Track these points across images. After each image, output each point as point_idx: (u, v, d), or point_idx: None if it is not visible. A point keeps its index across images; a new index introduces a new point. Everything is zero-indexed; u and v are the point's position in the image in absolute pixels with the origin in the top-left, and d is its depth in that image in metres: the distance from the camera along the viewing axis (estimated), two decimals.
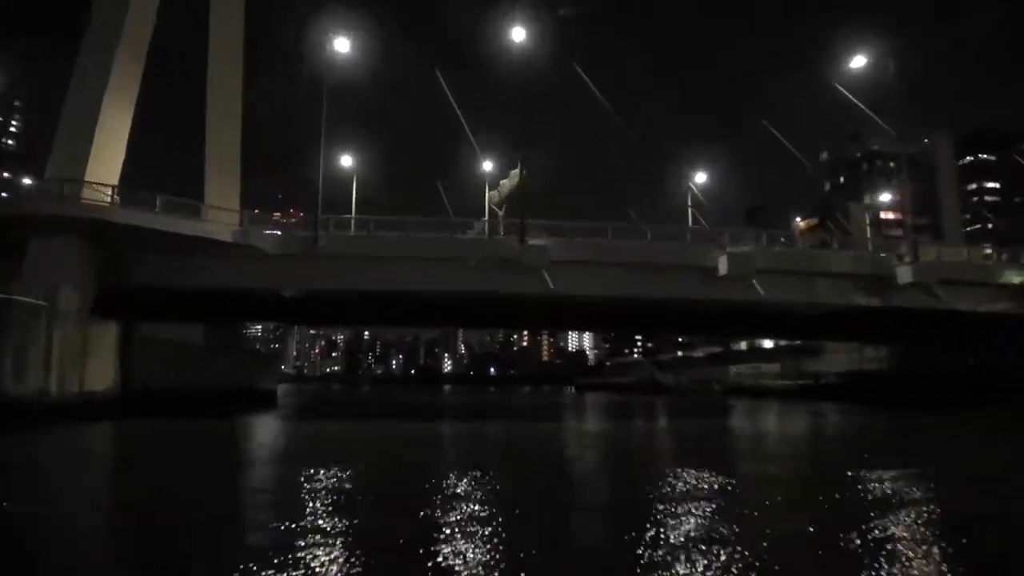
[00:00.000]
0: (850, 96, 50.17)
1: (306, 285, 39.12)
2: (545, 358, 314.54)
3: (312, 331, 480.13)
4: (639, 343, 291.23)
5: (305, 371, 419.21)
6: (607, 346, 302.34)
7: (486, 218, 45.29)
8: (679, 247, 41.38)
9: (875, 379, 69.66)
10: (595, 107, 52.04)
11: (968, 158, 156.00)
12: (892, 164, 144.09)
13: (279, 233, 39.66)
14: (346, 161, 51.33)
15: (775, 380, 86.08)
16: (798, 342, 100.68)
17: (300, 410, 54.73)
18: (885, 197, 75.44)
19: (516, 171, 44.71)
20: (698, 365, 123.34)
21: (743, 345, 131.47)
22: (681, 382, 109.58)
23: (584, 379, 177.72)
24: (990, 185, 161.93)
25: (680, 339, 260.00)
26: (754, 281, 39.87)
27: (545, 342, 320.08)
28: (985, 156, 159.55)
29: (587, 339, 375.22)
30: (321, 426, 38.98)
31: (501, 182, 45.84)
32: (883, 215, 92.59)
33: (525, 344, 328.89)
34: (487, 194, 45.21)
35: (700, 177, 52.50)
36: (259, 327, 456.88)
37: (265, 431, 34.50)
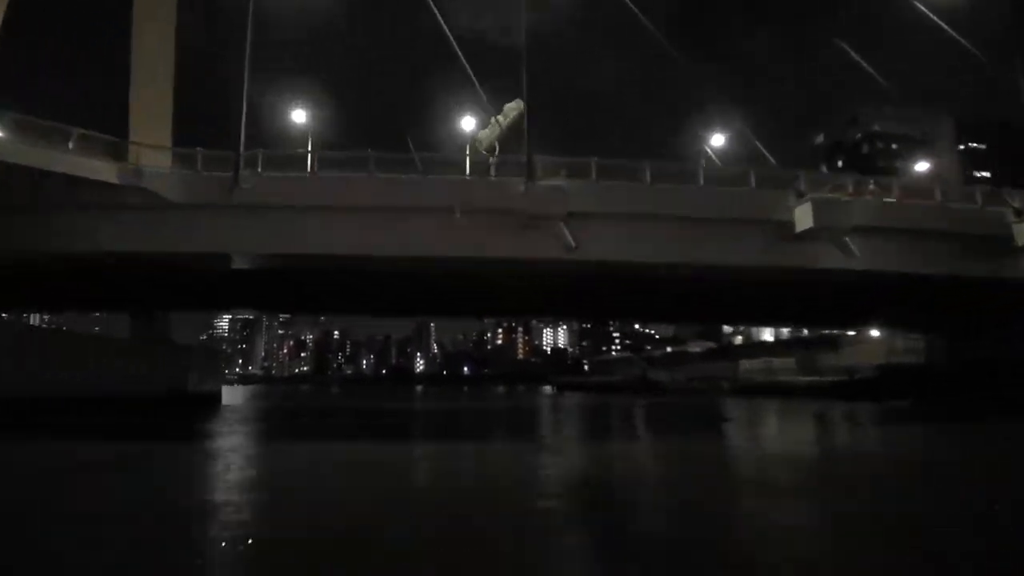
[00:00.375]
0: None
1: (223, 248, 27.25)
2: (520, 356, 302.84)
3: (280, 331, 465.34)
4: (617, 340, 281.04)
5: (273, 372, 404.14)
6: (585, 343, 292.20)
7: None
8: (744, 194, 29.85)
9: (918, 373, 59.35)
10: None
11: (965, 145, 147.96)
12: (894, 146, 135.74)
13: (187, 173, 27.61)
14: (294, 112, 38.89)
15: (795, 376, 75.46)
16: (805, 332, 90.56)
17: (245, 422, 42.91)
18: (922, 166, 65.23)
19: (515, 103, 33.15)
20: (691, 362, 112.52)
21: (738, 338, 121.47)
22: (677, 380, 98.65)
23: (563, 378, 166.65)
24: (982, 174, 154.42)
25: (657, 334, 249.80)
26: (847, 239, 28.75)
27: (520, 340, 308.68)
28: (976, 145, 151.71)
29: (562, 336, 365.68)
30: (261, 454, 26.68)
31: (494, 119, 33.93)
32: None
33: (500, 342, 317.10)
34: (482, 131, 33.09)
35: (719, 138, 41.20)
36: (224, 325, 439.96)
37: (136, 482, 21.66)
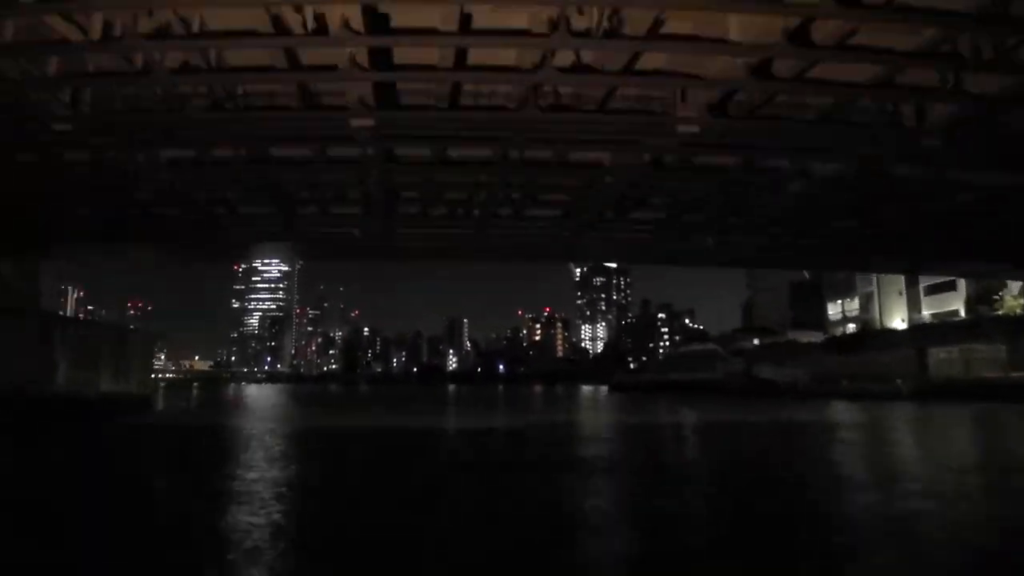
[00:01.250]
0: None
1: None
2: (559, 354, 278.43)
3: (310, 328, 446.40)
4: (666, 335, 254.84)
5: (302, 370, 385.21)
6: (628, 341, 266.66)
7: None
8: None
9: None
10: None
11: None
12: None
13: None
14: None
15: (1005, 371, 50.82)
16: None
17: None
18: None
19: None
20: (802, 354, 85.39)
21: (850, 326, 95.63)
22: (799, 379, 73.29)
23: (620, 376, 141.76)
24: None
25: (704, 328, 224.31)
26: None
27: (559, 336, 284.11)
28: None
29: (602, 333, 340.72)
30: None
31: None
32: None
33: (538, 338, 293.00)
34: None
35: None
36: (255, 322, 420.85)
37: None
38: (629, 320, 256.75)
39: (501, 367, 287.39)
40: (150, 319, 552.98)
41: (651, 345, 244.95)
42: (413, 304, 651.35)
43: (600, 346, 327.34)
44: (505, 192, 29.71)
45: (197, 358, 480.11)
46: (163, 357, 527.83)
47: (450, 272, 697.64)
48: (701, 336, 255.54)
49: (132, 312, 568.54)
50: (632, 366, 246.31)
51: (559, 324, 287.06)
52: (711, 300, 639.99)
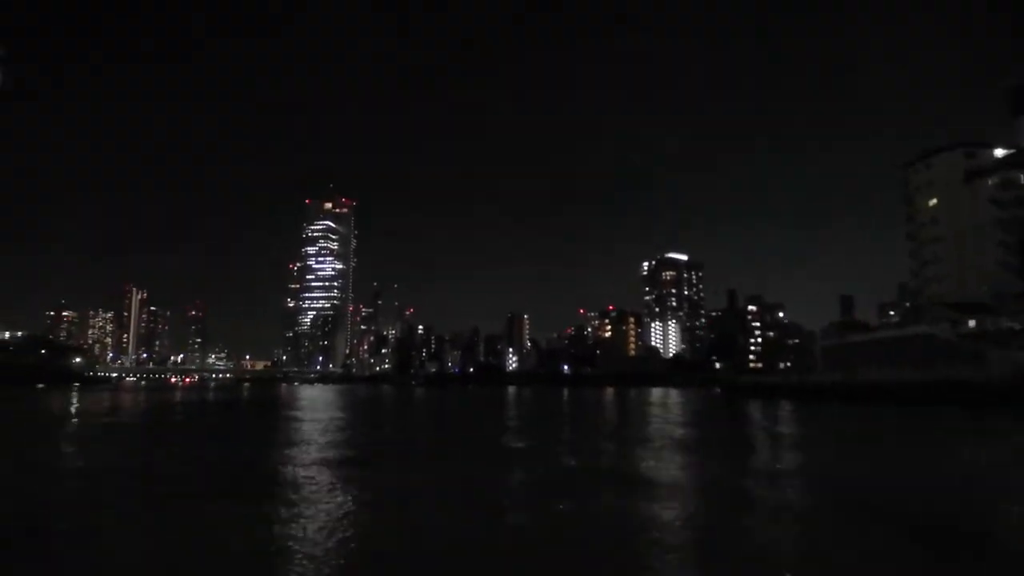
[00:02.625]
0: None
1: None
2: (632, 352, 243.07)
3: (363, 326, 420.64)
4: (758, 330, 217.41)
5: (354, 370, 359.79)
6: (712, 336, 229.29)
7: None
8: None
9: None
10: None
11: None
12: None
13: None
14: None
15: None
16: None
17: None
18: None
19: None
20: None
21: None
22: None
23: (742, 376, 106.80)
24: None
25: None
26: None
27: (631, 333, 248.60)
28: None
29: (673, 332, 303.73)
30: None
31: None
32: None
33: (608, 334, 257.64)
34: None
35: None
36: (308, 321, 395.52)
37: None
38: (711, 315, 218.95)
39: (565, 367, 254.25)
40: (207, 319, 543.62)
41: (740, 342, 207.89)
42: (470, 302, 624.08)
43: (672, 345, 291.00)
44: None
45: (248, 357, 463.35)
46: (224, 356, 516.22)
47: (509, 269, 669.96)
48: (795, 331, 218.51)
49: (192, 313, 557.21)
50: (718, 365, 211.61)
51: (631, 321, 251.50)
52: (791, 291, 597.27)
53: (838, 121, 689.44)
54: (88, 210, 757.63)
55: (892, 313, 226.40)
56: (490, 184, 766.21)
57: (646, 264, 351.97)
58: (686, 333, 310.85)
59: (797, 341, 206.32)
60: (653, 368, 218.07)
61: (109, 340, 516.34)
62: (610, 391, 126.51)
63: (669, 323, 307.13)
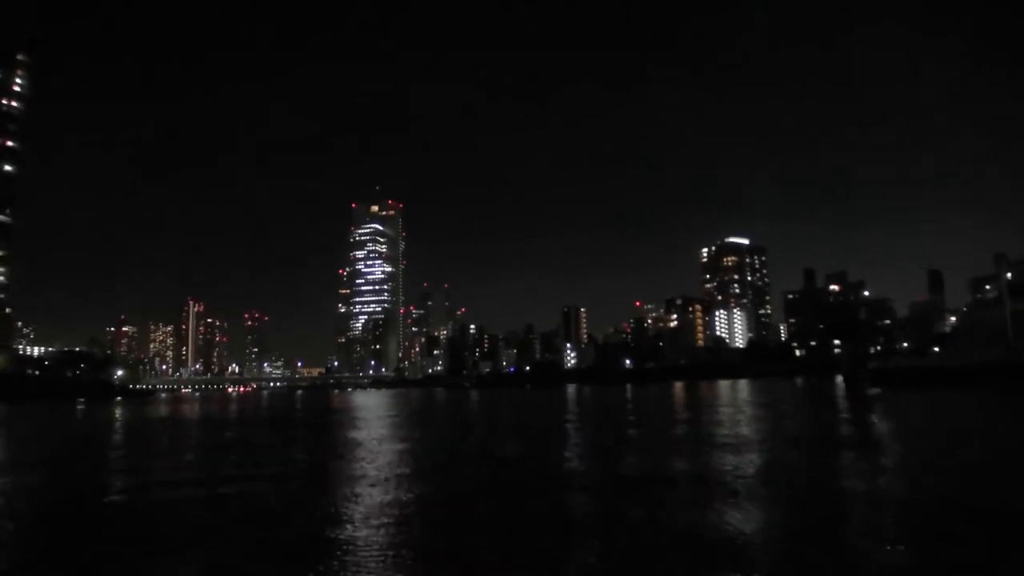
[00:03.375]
0: None
1: None
2: (699, 343, 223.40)
3: (415, 328, 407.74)
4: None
5: (407, 373, 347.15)
6: (792, 322, 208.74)
7: None
8: None
9: None
10: None
11: None
12: None
13: None
14: None
15: None
16: None
17: None
18: None
19: None
20: None
21: None
22: None
23: (874, 361, 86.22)
24: None
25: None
26: None
27: (699, 322, 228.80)
28: None
29: (739, 320, 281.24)
30: None
31: None
32: None
33: (673, 324, 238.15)
34: None
35: None
36: (359, 326, 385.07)
37: None
38: (787, 298, 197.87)
39: (628, 362, 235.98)
40: (263, 329, 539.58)
41: (819, 327, 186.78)
42: (523, 301, 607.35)
43: (739, 334, 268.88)
44: None
45: (300, 364, 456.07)
46: (280, 364, 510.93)
47: (561, 261, 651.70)
48: (884, 310, 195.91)
49: (249, 323, 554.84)
50: (798, 352, 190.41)
51: (698, 308, 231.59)
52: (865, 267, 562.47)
53: None
54: (144, 220, 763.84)
55: (988, 288, 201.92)
56: (539, 178, 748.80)
57: (705, 251, 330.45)
58: (752, 321, 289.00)
59: (888, 322, 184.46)
60: (727, 358, 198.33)
61: (170, 353, 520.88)
62: (679, 386, 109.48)
63: (734, 311, 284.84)
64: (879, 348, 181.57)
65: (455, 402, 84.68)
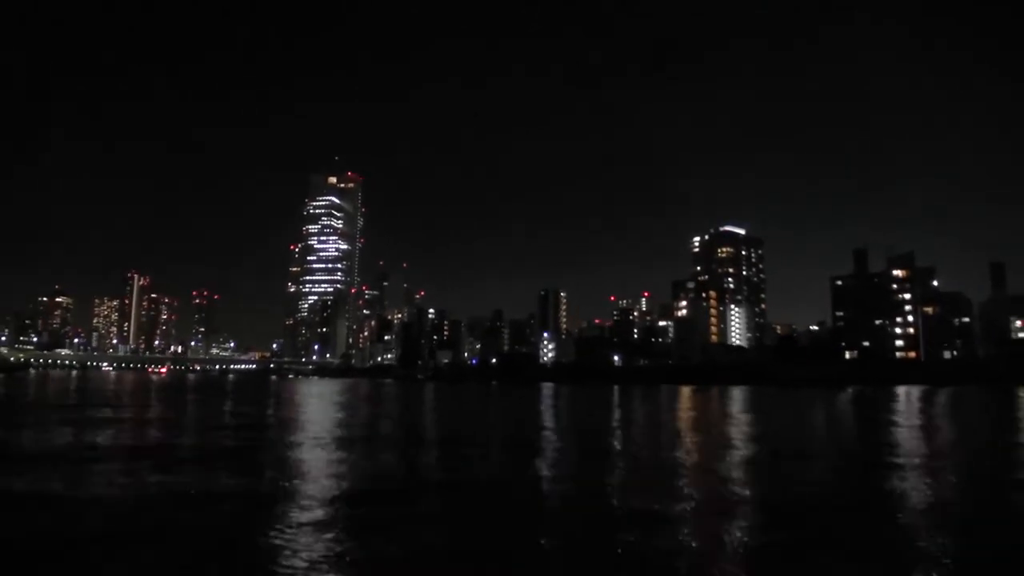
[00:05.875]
0: None
1: None
2: (714, 339, 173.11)
3: (366, 311, 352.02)
4: (907, 300, 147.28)
5: (353, 361, 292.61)
6: (840, 315, 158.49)
7: None
8: None
9: None
10: None
11: None
12: None
13: None
14: None
15: None
16: None
17: None
18: None
19: None
20: None
21: None
22: None
23: None
24: None
25: None
26: None
27: (713, 313, 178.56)
28: None
29: (736, 319, 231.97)
30: None
31: None
32: None
33: (683, 312, 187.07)
34: None
35: None
36: (306, 307, 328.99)
37: None
38: (835, 284, 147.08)
39: (616, 358, 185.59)
40: (213, 307, 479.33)
41: (878, 323, 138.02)
42: (492, 289, 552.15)
43: (736, 335, 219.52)
44: None
45: (247, 348, 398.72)
46: (230, 347, 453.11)
47: (537, 253, 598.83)
48: (961, 305, 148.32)
49: (196, 301, 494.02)
50: (849, 355, 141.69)
51: (712, 296, 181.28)
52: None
53: None
54: (85, 189, 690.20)
55: None
56: (512, 159, 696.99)
57: (697, 239, 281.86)
58: (751, 320, 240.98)
59: (967, 320, 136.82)
60: (751, 358, 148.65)
61: (114, 329, 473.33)
62: (685, 391, 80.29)
63: (731, 308, 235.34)
64: (955, 353, 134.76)
65: (399, 400, 61.37)
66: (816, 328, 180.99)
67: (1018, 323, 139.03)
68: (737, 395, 69.98)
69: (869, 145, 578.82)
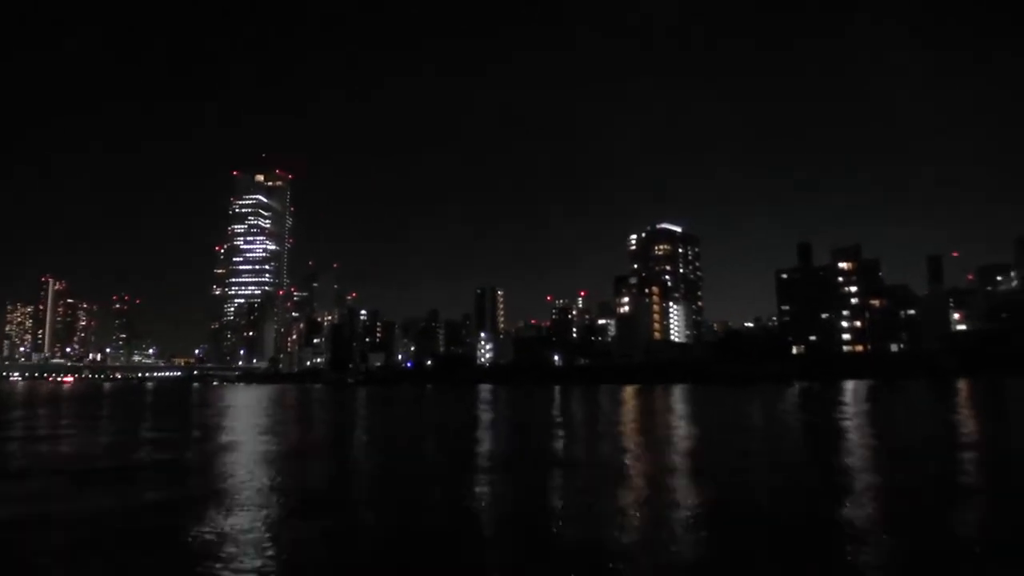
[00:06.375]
0: None
1: None
2: (656, 335, 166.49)
3: (295, 313, 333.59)
4: (854, 298, 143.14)
5: (280, 366, 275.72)
6: (786, 308, 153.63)
7: None
8: None
9: None
10: None
11: None
12: None
13: None
14: None
15: None
16: None
17: None
18: None
19: None
20: None
21: None
22: None
23: None
24: None
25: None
26: None
27: (655, 310, 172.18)
28: None
29: (676, 317, 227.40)
30: None
31: None
32: None
33: (625, 309, 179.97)
34: None
35: None
36: (231, 310, 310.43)
37: None
38: (780, 277, 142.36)
39: (557, 358, 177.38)
40: (134, 313, 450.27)
41: (823, 315, 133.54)
42: (427, 292, 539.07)
43: (675, 332, 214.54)
44: None
45: (170, 354, 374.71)
46: (152, 353, 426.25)
47: (474, 246, 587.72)
48: (909, 298, 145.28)
49: (117, 306, 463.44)
50: (796, 349, 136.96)
51: (655, 293, 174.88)
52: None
53: None
54: None
55: (1012, 275, 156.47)
56: (447, 160, 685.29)
57: (634, 237, 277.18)
58: (689, 318, 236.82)
59: (912, 312, 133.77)
60: (697, 355, 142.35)
61: (28, 337, 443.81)
62: (629, 390, 77.17)
63: (670, 305, 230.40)
64: (902, 346, 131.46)
65: (325, 406, 56.29)
66: (751, 325, 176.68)
67: (956, 316, 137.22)
68: (683, 395, 62.37)
69: (811, 144, 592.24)
